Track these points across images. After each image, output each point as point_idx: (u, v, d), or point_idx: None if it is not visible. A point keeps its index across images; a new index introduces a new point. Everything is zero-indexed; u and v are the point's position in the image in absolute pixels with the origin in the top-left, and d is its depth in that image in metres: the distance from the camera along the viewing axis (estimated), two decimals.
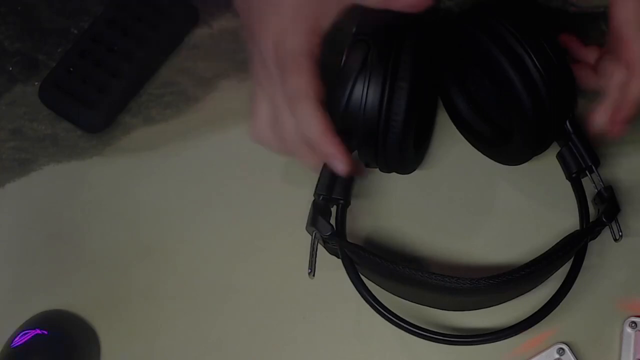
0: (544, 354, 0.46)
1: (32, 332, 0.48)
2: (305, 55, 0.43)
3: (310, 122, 0.43)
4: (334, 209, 0.47)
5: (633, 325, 0.47)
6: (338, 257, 0.47)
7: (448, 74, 0.50)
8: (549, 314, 0.45)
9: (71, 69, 0.55)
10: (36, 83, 0.56)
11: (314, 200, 0.46)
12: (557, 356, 0.47)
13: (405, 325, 0.45)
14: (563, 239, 0.46)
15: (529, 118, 0.44)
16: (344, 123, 0.44)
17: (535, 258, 0.44)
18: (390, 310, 0.45)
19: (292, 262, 0.50)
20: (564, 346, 0.47)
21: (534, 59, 0.43)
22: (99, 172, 0.54)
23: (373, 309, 0.46)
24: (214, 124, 0.55)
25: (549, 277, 0.47)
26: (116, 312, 0.50)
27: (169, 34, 0.57)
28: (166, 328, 0.50)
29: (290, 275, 0.50)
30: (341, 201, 0.47)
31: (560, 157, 0.49)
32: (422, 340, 0.46)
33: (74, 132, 0.55)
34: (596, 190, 0.48)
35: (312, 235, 0.46)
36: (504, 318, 0.48)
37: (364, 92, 0.44)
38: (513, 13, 0.45)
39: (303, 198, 0.47)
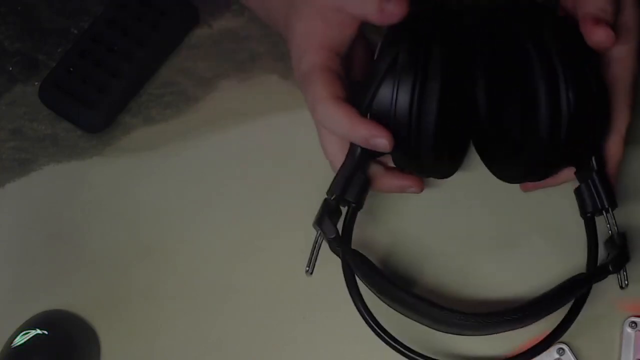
0: (544, 354, 0.46)
1: (32, 332, 0.48)
2: (319, 70, 0.43)
3: (333, 120, 0.43)
4: (344, 210, 0.47)
5: (633, 325, 0.47)
6: (339, 257, 0.47)
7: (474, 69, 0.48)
8: (540, 353, 0.45)
9: (71, 69, 0.55)
10: (36, 83, 0.56)
11: (325, 199, 0.45)
12: (557, 356, 0.47)
13: (394, 344, 0.45)
14: (566, 281, 0.45)
15: (540, 139, 0.42)
16: (376, 115, 0.43)
17: (533, 299, 0.44)
18: (381, 326, 0.45)
19: (292, 263, 0.49)
20: (564, 346, 0.47)
21: (571, 84, 0.41)
22: (99, 172, 0.54)
23: (365, 321, 0.45)
24: (214, 124, 0.55)
25: (545, 316, 0.46)
26: (116, 312, 0.50)
27: (169, 34, 0.57)
28: (166, 328, 0.50)
29: (290, 275, 0.50)
30: (353, 204, 0.46)
31: (578, 193, 0.46)
32: (424, 338, 0.46)
33: (74, 132, 0.55)
34: (609, 233, 0.46)
35: (316, 233, 0.45)
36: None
37: (394, 94, 0.43)
38: (560, 25, 0.43)
39: (304, 198, 0.47)
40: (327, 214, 0.45)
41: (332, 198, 0.45)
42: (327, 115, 0.43)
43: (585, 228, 0.47)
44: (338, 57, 0.44)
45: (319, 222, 0.45)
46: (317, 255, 0.46)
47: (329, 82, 0.43)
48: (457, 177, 0.50)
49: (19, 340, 0.47)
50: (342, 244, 0.45)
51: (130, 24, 0.56)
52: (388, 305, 0.46)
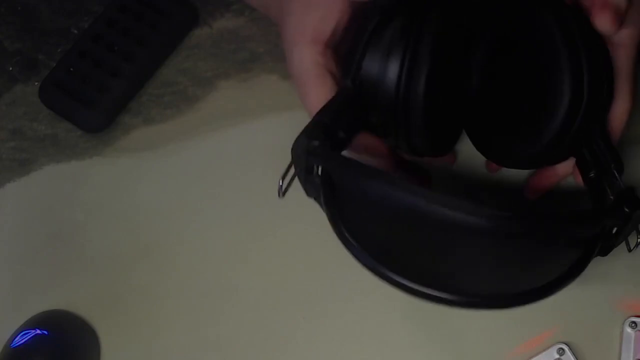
0: (544, 354, 0.46)
1: (32, 332, 0.48)
2: (310, 70, 0.43)
3: None
4: None
5: (633, 325, 0.47)
6: (310, 195, 0.41)
7: (474, 38, 0.45)
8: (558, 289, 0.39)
9: (71, 69, 0.55)
10: (36, 83, 0.56)
11: (312, 121, 0.40)
12: (557, 356, 0.47)
13: (384, 271, 0.37)
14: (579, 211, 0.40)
15: (559, 117, 0.40)
16: (362, 99, 0.41)
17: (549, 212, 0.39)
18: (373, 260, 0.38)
19: (292, 263, 0.50)
20: (564, 346, 0.47)
21: (591, 69, 0.39)
22: (99, 172, 0.54)
23: (346, 246, 0.38)
24: (214, 124, 0.55)
25: (553, 257, 0.39)
26: (116, 312, 0.50)
27: (169, 34, 0.57)
28: (166, 328, 0.50)
29: (290, 275, 0.50)
30: (341, 135, 0.41)
31: (580, 160, 0.43)
32: (423, 340, 0.46)
33: (74, 132, 0.55)
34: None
35: (293, 153, 0.40)
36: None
37: (383, 66, 0.40)
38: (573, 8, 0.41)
39: (304, 198, 0.47)
40: (312, 130, 0.39)
41: (317, 122, 0.40)
42: None
43: (589, 193, 0.43)
44: (329, 49, 0.44)
45: (306, 133, 0.39)
46: (291, 180, 0.41)
47: (320, 84, 0.43)
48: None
49: (19, 340, 0.47)
50: (329, 151, 0.39)
51: (130, 24, 0.56)
52: (384, 251, 0.39)
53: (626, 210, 0.39)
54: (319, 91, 0.43)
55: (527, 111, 0.43)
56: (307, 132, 0.39)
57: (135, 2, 0.57)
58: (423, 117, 0.41)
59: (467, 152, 0.50)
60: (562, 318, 0.47)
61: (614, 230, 0.40)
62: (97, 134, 0.55)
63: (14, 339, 0.48)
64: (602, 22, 0.40)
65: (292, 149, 0.40)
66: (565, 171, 0.46)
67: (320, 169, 0.39)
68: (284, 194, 0.40)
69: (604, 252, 0.41)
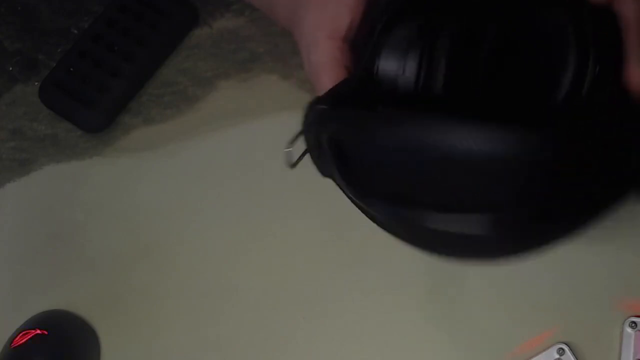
0: (544, 354, 0.46)
1: (32, 332, 0.48)
2: (328, 66, 0.43)
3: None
4: None
5: (633, 325, 0.47)
6: (323, 173, 0.39)
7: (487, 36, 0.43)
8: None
9: (71, 69, 0.55)
10: (36, 83, 0.56)
11: (328, 92, 0.39)
12: (557, 356, 0.46)
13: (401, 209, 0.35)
14: None
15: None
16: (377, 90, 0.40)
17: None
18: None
19: (292, 263, 0.50)
20: (564, 346, 0.47)
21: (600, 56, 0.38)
22: (99, 172, 0.54)
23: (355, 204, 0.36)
24: (214, 124, 0.55)
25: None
26: (116, 312, 0.50)
27: (169, 34, 0.57)
28: (166, 328, 0.50)
29: (290, 275, 0.50)
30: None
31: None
32: (423, 340, 0.45)
33: (74, 132, 0.55)
34: None
35: (305, 122, 0.39)
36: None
37: (400, 64, 0.40)
38: None
39: (304, 198, 0.47)
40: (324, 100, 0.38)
41: (315, 105, 0.38)
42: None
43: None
44: (346, 44, 0.44)
45: (319, 100, 0.37)
46: (303, 154, 0.39)
47: (336, 79, 0.43)
48: None
49: (19, 340, 0.47)
50: (335, 110, 0.37)
51: (130, 24, 0.56)
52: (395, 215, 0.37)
53: None
54: (330, 68, 0.43)
55: (540, 91, 0.41)
56: (314, 100, 0.38)
57: (135, 2, 0.57)
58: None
59: None
60: (562, 318, 0.47)
61: None
62: (97, 134, 0.55)
63: (14, 339, 0.48)
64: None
65: (303, 119, 0.38)
66: None
67: (327, 139, 0.38)
68: (294, 165, 0.39)
69: None
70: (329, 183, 0.46)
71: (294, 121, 0.53)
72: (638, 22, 0.42)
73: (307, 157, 0.51)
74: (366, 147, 0.37)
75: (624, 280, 0.49)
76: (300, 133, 0.39)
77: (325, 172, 0.40)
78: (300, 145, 0.40)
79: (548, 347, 0.47)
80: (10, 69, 0.57)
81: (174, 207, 0.53)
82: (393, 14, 0.42)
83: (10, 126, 0.56)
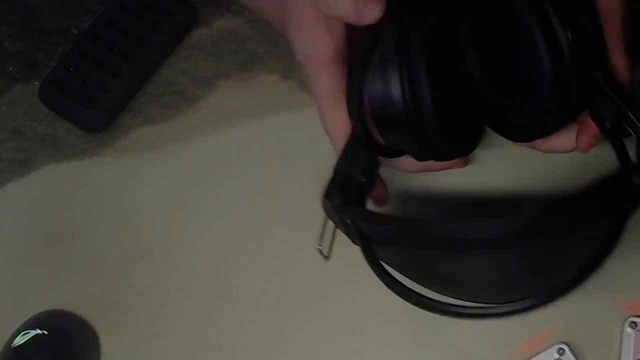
0: (544, 354, 0.46)
1: (32, 332, 0.48)
2: (325, 96, 0.43)
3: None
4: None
5: (633, 325, 0.47)
6: (355, 243, 0.43)
7: (460, 31, 0.45)
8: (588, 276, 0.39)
9: (71, 69, 0.55)
10: (36, 83, 0.56)
11: (331, 177, 0.42)
12: (557, 356, 0.46)
13: (428, 300, 0.39)
14: (595, 182, 0.38)
15: (548, 72, 0.40)
16: (377, 119, 0.42)
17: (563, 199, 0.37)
18: (408, 287, 0.39)
19: (293, 263, 0.50)
20: (564, 346, 0.47)
21: (567, 23, 0.39)
22: (99, 172, 0.54)
23: (391, 289, 0.40)
24: (214, 124, 0.55)
25: (579, 244, 0.40)
26: (116, 312, 0.50)
27: (169, 34, 0.57)
28: (166, 328, 0.50)
29: (290, 275, 0.50)
30: (362, 179, 0.42)
31: (593, 112, 0.42)
32: (423, 340, 0.45)
33: (74, 132, 0.55)
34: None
35: (325, 211, 0.42)
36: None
37: (384, 82, 0.41)
38: None
39: (304, 198, 0.47)
40: (334, 187, 0.41)
41: (337, 175, 0.41)
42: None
43: (611, 144, 0.41)
44: (337, 64, 0.44)
45: (325, 195, 0.41)
46: (333, 239, 0.43)
47: (334, 108, 0.43)
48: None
49: (19, 340, 0.47)
50: (352, 207, 0.41)
51: (130, 24, 0.56)
52: (413, 274, 0.42)
53: None
54: (335, 116, 0.43)
55: (526, 83, 0.43)
56: (327, 194, 0.41)
57: (135, 2, 0.57)
58: (438, 122, 0.42)
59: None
60: (562, 318, 0.47)
61: None
62: (97, 134, 0.55)
63: (14, 339, 0.48)
64: None
65: (322, 206, 0.42)
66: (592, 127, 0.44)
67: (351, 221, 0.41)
68: (328, 256, 0.42)
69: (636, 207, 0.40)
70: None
71: (294, 121, 0.54)
72: (617, 13, 0.42)
73: (309, 157, 0.51)
74: (384, 240, 0.41)
75: (624, 280, 0.49)
76: (325, 222, 0.42)
77: (356, 242, 0.43)
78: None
79: (548, 347, 0.47)
80: (10, 69, 0.57)
81: (174, 207, 0.53)
82: (371, 34, 0.42)
83: (10, 126, 0.56)
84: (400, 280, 0.40)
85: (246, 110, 0.55)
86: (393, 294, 0.48)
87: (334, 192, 0.41)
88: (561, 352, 0.46)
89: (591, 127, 0.44)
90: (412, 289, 0.39)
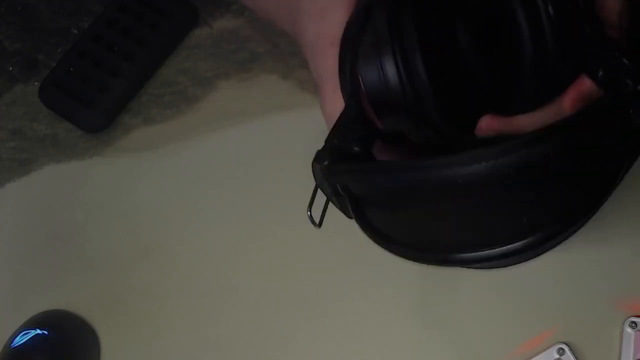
0: (544, 354, 0.46)
1: (32, 332, 0.48)
2: (330, 76, 0.43)
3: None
4: None
5: (633, 325, 0.47)
6: (349, 216, 0.41)
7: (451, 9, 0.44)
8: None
9: (71, 69, 0.55)
10: (36, 83, 0.56)
11: (323, 147, 0.41)
12: (557, 356, 0.47)
13: (433, 254, 0.37)
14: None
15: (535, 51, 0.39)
16: (373, 99, 0.41)
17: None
18: (404, 243, 0.38)
19: (293, 263, 0.50)
20: (564, 346, 0.47)
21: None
22: (99, 172, 0.54)
23: (381, 244, 0.39)
24: (214, 124, 0.55)
25: (582, 182, 0.38)
26: (116, 312, 0.50)
27: (169, 34, 0.57)
28: (166, 328, 0.50)
29: (290, 275, 0.50)
30: (356, 149, 0.40)
31: (586, 67, 0.40)
32: (423, 340, 0.45)
33: (74, 132, 0.55)
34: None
35: (315, 177, 0.41)
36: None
37: (379, 63, 0.40)
38: None
39: (304, 198, 0.47)
40: (326, 152, 0.40)
41: (330, 145, 0.40)
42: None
43: (608, 94, 0.39)
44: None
45: (317, 159, 0.39)
46: (325, 207, 0.41)
47: (337, 89, 0.43)
48: None
49: (19, 340, 0.47)
50: (342, 165, 0.39)
51: (130, 24, 0.56)
52: (405, 234, 0.40)
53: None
54: (337, 99, 0.43)
55: (516, 56, 0.42)
56: (317, 158, 0.40)
57: (135, 2, 0.57)
58: (436, 100, 0.41)
59: None
60: (562, 318, 0.47)
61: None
62: (97, 134, 0.55)
63: (14, 339, 0.48)
64: None
65: (313, 173, 0.41)
66: (590, 85, 0.40)
67: (342, 187, 0.40)
68: (320, 224, 0.41)
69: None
70: None
71: (294, 121, 0.54)
72: None
73: (309, 157, 0.51)
74: (376, 197, 0.39)
75: (624, 280, 0.49)
76: (316, 189, 0.41)
77: (349, 215, 0.41)
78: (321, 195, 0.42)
79: (548, 347, 0.47)
80: (10, 69, 0.57)
81: (174, 207, 0.53)
82: (362, 13, 0.42)
83: (10, 126, 0.56)
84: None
85: (246, 110, 0.55)
86: (393, 294, 0.48)
87: (323, 154, 0.39)
88: (561, 352, 0.46)
89: (581, 83, 0.41)
90: (398, 240, 0.38)
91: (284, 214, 0.52)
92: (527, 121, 0.41)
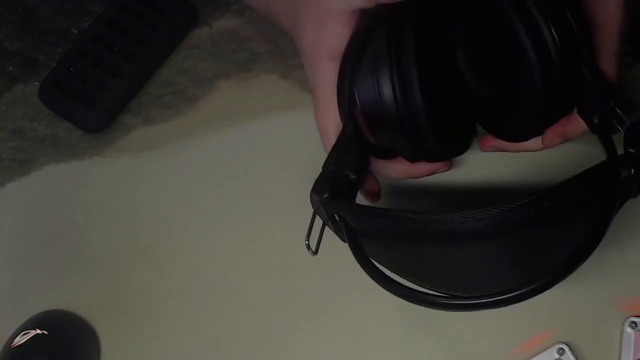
0: (544, 354, 0.46)
1: (32, 332, 0.48)
2: (325, 89, 0.43)
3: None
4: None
5: (633, 325, 0.47)
6: (344, 240, 0.43)
7: (451, 32, 0.46)
8: (576, 266, 0.38)
9: (71, 69, 0.55)
10: (36, 83, 0.56)
11: (320, 173, 0.42)
12: (557, 356, 0.47)
13: (416, 293, 0.38)
14: (583, 172, 0.38)
15: (536, 71, 0.41)
16: (368, 116, 0.42)
17: (553, 186, 0.37)
18: (396, 281, 0.39)
19: (293, 262, 0.50)
20: (564, 346, 0.47)
21: (550, 22, 0.40)
22: (99, 172, 0.54)
23: (376, 280, 0.40)
24: (213, 124, 0.55)
25: (570, 232, 0.39)
26: (116, 312, 0.50)
27: (169, 34, 0.57)
28: (166, 328, 0.50)
29: (290, 275, 0.50)
30: (352, 176, 0.42)
31: (581, 107, 0.42)
32: (423, 340, 0.46)
33: (74, 132, 0.55)
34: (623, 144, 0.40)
35: (313, 206, 0.42)
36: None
37: (375, 82, 0.41)
38: None
39: (304, 198, 0.47)
40: (323, 182, 0.41)
41: (327, 171, 0.42)
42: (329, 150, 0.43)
43: (600, 142, 0.41)
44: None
45: (313, 189, 0.41)
46: (321, 233, 0.42)
47: (332, 103, 0.43)
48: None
49: (19, 340, 0.47)
50: (340, 201, 0.41)
51: (130, 24, 0.56)
52: (401, 268, 0.42)
53: (630, 150, 0.38)
54: (329, 111, 0.43)
55: (516, 84, 0.43)
56: (316, 188, 0.41)
57: (135, 2, 0.57)
58: (429, 122, 0.42)
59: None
60: (562, 318, 0.47)
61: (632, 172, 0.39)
62: (97, 134, 0.55)
63: (14, 339, 0.48)
64: None
65: (310, 201, 0.42)
66: (579, 125, 0.44)
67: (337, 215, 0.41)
68: (315, 251, 0.42)
69: (624, 200, 0.40)
70: None
71: (294, 121, 0.54)
72: (616, 21, 0.42)
73: (309, 157, 0.51)
74: (371, 233, 0.40)
75: (624, 280, 0.49)
76: (314, 217, 0.42)
77: (344, 239, 0.42)
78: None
79: (548, 347, 0.47)
80: (10, 69, 0.57)
81: (174, 207, 0.53)
82: (363, 33, 0.43)
83: (10, 126, 0.56)
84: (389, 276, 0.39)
85: (246, 110, 0.55)
86: (393, 294, 0.48)
87: (322, 187, 0.41)
88: (561, 352, 0.46)
89: (567, 123, 0.44)
90: (399, 282, 0.39)
91: (284, 214, 0.52)
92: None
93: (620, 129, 0.40)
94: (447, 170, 0.48)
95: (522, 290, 0.36)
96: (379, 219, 0.39)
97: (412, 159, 0.46)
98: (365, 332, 0.48)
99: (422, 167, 0.46)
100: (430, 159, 0.46)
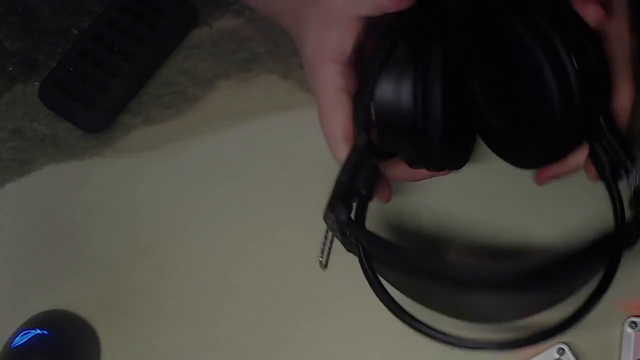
0: (543, 354, 0.46)
1: (32, 332, 0.48)
2: (329, 94, 0.43)
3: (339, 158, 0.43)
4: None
5: (633, 325, 0.47)
6: (355, 254, 0.44)
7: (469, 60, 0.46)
8: (575, 322, 0.42)
9: (71, 69, 0.55)
10: (36, 83, 0.56)
11: (333, 188, 0.42)
12: (557, 356, 0.46)
13: (423, 327, 0.41)
14: (594, 240, 0.40)
15: (556, 111, 0.41)
16: (380, 122, 0.43)
17: (565, 255, 0.39)
18: (406, 311, 0.42)
19: (293, 263, 0.50)
20: (564, 346, 0.47)
21: (567, 47, 0.40)
22: (99, 172, 0.54)
23: (388, 307, 0.42)
24: (214, 124, 0.55)
25: (578, 285, 0.43)
26: (116, 312, 0.50)
27: (169, 34, 0.57)
28: (166, 328, 0.50)
29: (290, 275, 0.50)
30: (363, 192, 0.43)
31: (592, 154, 0.44)
32: (423, 340, 0.45)
33: (74, 132, 0.55)
34: (632, 191, 0.42)
35: (327, 224, 0.43)
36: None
37: (398, 87, 0.42)
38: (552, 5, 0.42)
39: (304, 198, 0.47)
40: (338, 200, 0.42)
41: (340, 186, 0.42)
42: (337, 156, 0.44)
43: (607, 191, 0.44)
44: (349, 67, 0.44)
45: (330, 209, 0.42)
46: (330, 247, 0.44)
47: (337, 108, 0.43)
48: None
49: (19, 340, 0.47)
50: (357, 227, 0.42)
51: (130, 24, 0.56)
52: (412, 297, 0.44)
53: None
54: (335, 116, 0.43)
55: (530, 114, 0.44)
56: (332, 208, 0.41)
57: (135, 2, 0.57)
58: (443, 137, 0.43)
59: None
60: (562, 318, 0.47)
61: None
62: (97, 134, 0.55)
63: (14, 339, 0.48)
64: (589, 16, 0.41)
65: (324, 219, 0.43)
66: (578, 161, 0.45)
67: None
68: (326, 265, 0.44)
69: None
70: (328, 183, 0.46)
71: (294, 121, 0.54)
72: (628, 57, 0.43)
73: (309, 158, 0.51)
74: (384, 260, 0.42)
75: (624, 280, 0.49)
76: (326, 239, 0.44)
77: (349, 250, 0.44)
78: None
79: (548, 347, 0.47)
80: (10, 69, 0.57)
81: (174, 207, 0.53)
82: (385, 40, 0.43)
83: (10, 126, 0.56)
84: (397, 296, 0.42)
85: (246, 110, 0.55)
86: (394, 293, 0.48)
87: (336, 204, 0.42)
88: (561, 352, 0.46)
89: (565, 166, 0.46)
90: (408, 312, 0.41)
91: (284, 214, 0.52)
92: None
93: (627, 181, 0.43)
94: (446, 174, 0.48)
95: (526, 337, 0.40)
96: (392, 255, 0.41)
97: (413, 165, 0.46)
98: (365, 332, 0.48)
99: (423, 172, 0.47)
100: (432, 167, 0.46)
